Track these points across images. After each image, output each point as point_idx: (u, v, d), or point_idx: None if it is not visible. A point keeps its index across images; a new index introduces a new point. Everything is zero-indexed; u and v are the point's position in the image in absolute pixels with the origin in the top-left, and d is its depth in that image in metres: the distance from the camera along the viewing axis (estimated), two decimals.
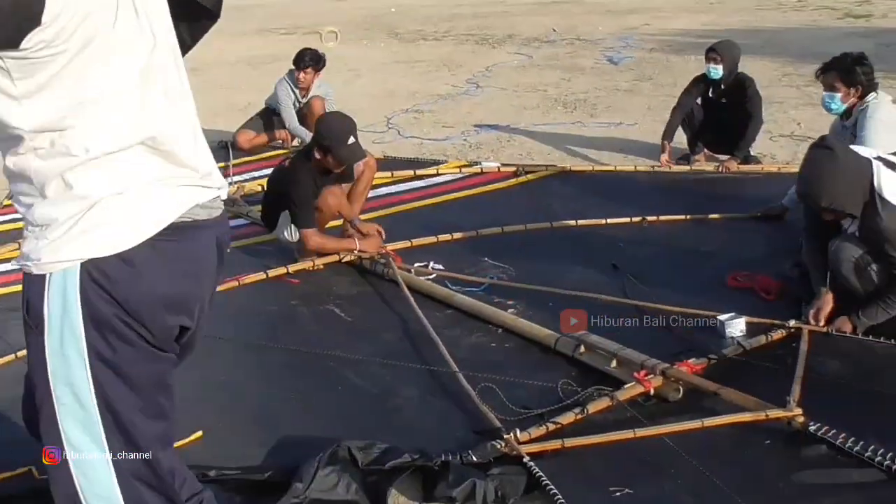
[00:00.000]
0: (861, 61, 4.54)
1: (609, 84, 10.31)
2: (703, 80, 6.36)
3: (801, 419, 2.84)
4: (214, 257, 1.80)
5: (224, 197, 1.84)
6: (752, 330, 3.59)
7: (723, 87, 6.23)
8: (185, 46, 1.87)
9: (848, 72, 4.52)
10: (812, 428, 2.80)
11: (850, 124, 4.54)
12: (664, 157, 6.25)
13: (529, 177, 6.10)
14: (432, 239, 4.89)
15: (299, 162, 4.57)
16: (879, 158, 3.51)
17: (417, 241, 4.85)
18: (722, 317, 3.61)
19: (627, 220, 5.06)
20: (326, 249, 4.52)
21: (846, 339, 3.47)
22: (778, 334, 3.53)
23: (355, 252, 4.53)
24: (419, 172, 6.31)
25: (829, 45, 12.93)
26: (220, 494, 2.60)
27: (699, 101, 6.42)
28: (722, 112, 6.30)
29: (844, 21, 15.66)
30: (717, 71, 6.16)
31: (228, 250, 1.84)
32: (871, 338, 3.45)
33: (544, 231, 5.02)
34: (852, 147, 3.65)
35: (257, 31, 19.92)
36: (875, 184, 3.36)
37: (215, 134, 7.98)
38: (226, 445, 2.93)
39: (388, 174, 6.25)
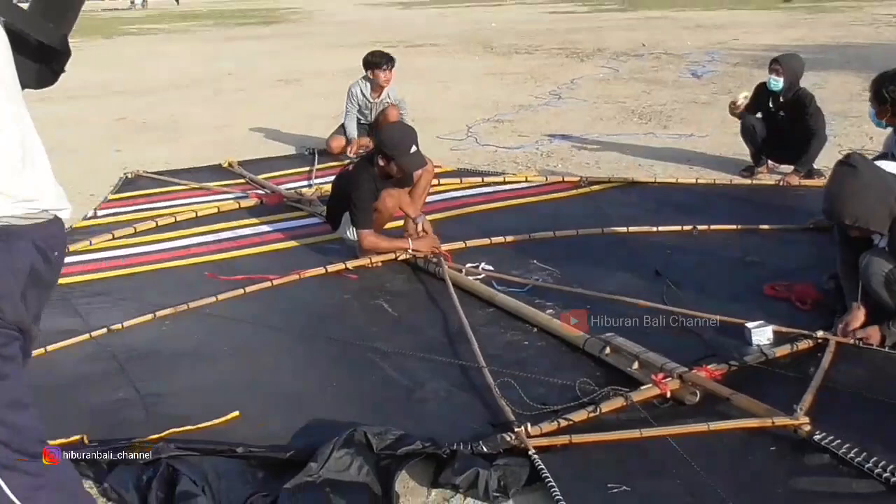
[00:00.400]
0: (888, 79, 4.40)
1: (688, 97, 10.14)
2: (763, 90, 6.19)
3: (808, 428, 2.78)
4: (29, 261, 1.79)
5: (64, 214, 1.90)
6: (779, 339, 3.50)
7: (782, 100, 6.06)
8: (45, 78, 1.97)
9: (876, 91, 4.48)
10: (817, 437, 2.73)
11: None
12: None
13: (593, 188, 6.05)
14: (486, 241, 4.93)
15: (362, 166, 4.68)
16: None
17: (472, 243, 4.90)
18: (750, 324, 3.53)
19: (679, 228, 5.00)
20: (380, 249, 4.61)
21: (872, 350, 3.35)
22: (804, 344, 3.43)
23: (409, 251, 4.60)
24: (486, 180, 6.35)
25: None
26: (245, 470, 2.74)
27: (760, 115, 6.27)
28: (783, 125, 6.13)
29: None
30: (778, 83, 6.01)
31: (56, 254, 1.86)
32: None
33: (595, 237, 5.00)
34: (883, 163, 3.52)
35: (359, 45, 20.24)
36: None
37: (310, 140, 8.27)
38: (257, 427, 3.03)
39: (458, 180, 6.33)
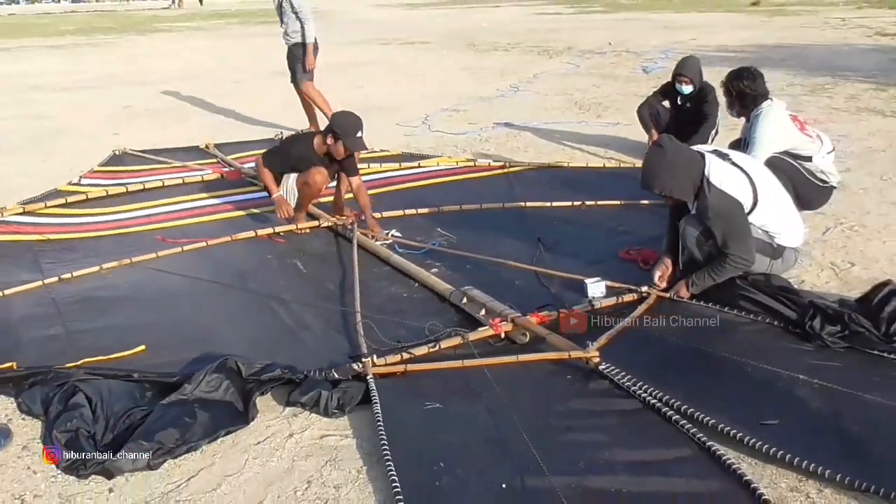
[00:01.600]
0: (740, 75, 4.61)
1: (630, 90, 10.30)
2: (672, 90, 6.43)
3: (596, 360, 3.06)
4: None
5: None
6: (612, 292, 3.76)
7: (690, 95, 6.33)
8: None
9: (724, 87, 4.75)
10: (602, 367, 3.01)
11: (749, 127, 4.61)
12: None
13: (511, 170, 6.30)
14: (400, 212, 5.20)
15: (307, 135, 4.99)
16: (715, 151, 3.64)
17: (388, 213, 5.18)
18: (588, 280, 3.80)
19: (570, 203, 5.23)
20: (261, 176, 5.03)
21: (682, 303, 3.61)
22: (628, 297, 3.71)
23: (272, 197, 4.96)
24: (421, 163, 6.60)
25: (843, 59, 12.56)
26: (136, 391, 3.03)
27: (667, 104, 6.52)
28: (686, 115, 6.37)
29: (872, 39, 14.98)
30: (689, 88, 6.28)
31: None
32: (701, 302, 3.59)
33: (496, 210, 5.26)
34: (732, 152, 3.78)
35: (358, 42, 20.42)
36: (706, 172, 3.49)
37: (286, 125, 8.50)
38: (160, 358, 3.31)
39: (397, 164, 6.59)
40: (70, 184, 6.09)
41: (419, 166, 6.55)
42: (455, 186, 5.99)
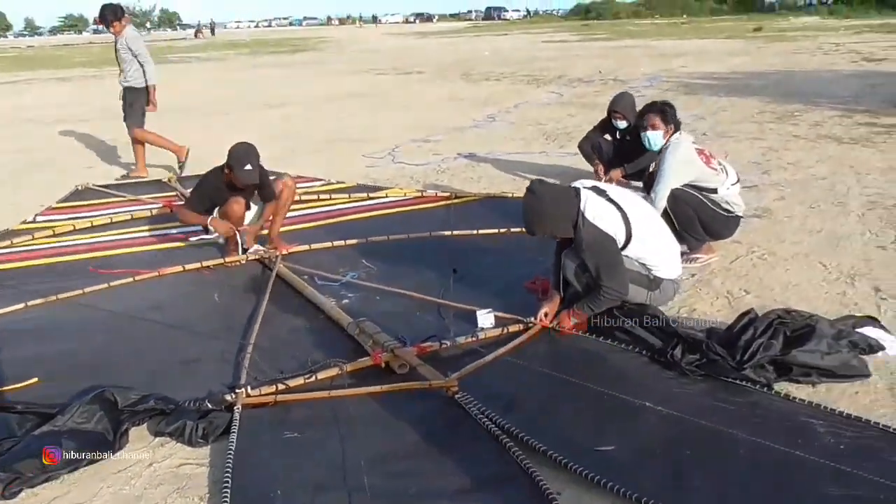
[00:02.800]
0: (670, 104, 4.76)
1: None
2: (610, 124, 6.60)
3: (454, 389, 3.19)
4: None
5: None
6: (501, 322, 3.90)
7: (628, 128, 6.49)
8: None
9: (664, 112, 4.76)
10: (458, 396, 3.14)
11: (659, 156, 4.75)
12: (601, 173, 6.50)
13: (455, 201, 6.46)
14: (328, 244, 5.38)
15: (217, 170, 5.13)
16: (593, 187, 3.77)
17: (316, 245, 5.37)
18: (479, 311, 3.94)
19: (495, 230, 5.39)
20: (188, 221, 5.21)
21: (564, 333, 3.75)
22: (515, 327, 3.83)
23: (208, 223, 5.12)
24: (371, 195, 6.79)
25: (822, 85, 12.69)
26: (22, 422, 3.17)
27: (608, 137, 6.68)
28: (627, 146, 6.52)
29: (858, 65, 15.06)
30: (624, 123, 6.47)
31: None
32: (580, 332, 3.72)
33: (422, 240, 5.42)
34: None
35: (359, 72, 20.79)
36: (581, 207, 3.63)
37: None
38: (52, 390, 3.43)
39: (346, 196, 6.79)
40: (24, 222, 6.31)
41: (368, 197, 6.74)
42: (397, 218, 6.15)
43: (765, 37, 25.95)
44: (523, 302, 4.21)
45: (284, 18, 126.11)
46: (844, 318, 3.62)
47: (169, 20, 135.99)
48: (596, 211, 3.63)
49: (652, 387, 3.23)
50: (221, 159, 8.39)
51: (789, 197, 6.19)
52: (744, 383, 3.18)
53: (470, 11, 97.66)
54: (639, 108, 6.59)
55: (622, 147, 6.62)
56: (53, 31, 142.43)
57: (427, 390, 3.25)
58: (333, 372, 3.46)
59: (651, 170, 4.94)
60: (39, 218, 6.50)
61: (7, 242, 5.71)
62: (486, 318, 3.91)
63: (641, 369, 3.40)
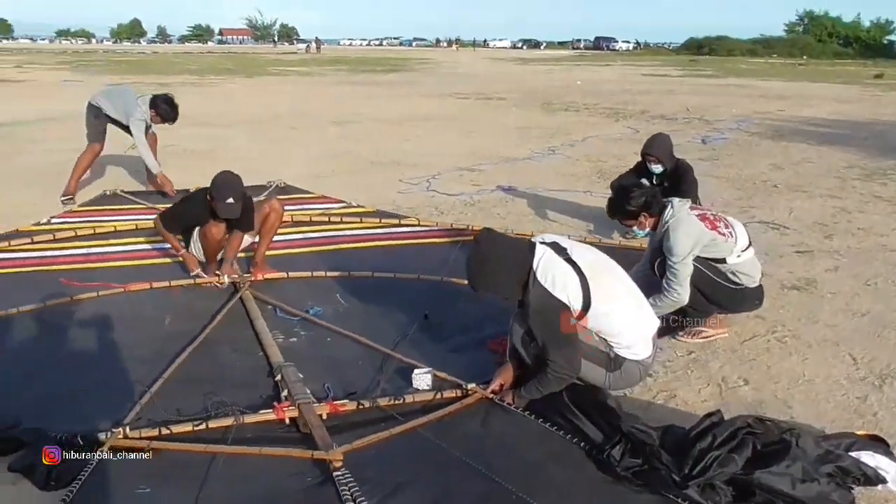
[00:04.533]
0: (626, 194, 4.17)
1: None
2: (645, 168, 6.06)
3: (338, 464, 2.76)
4: None
5: None
6: (438, 385, 3.46)
7: (665, 173, 5.97)
8: None
9: (625, 212, 4.19)
10: (337, 473, 2.71)
11: (659, 236, 4.16)
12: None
13: (468, 238, 6.01)
14: (307, 274, 5.05)
15: (203, 191, 4.88)
16: (553, 244, 3.28)
17: (294, 274, 5.06)
18: (416, 370, 3.51)
19: None
20: (163, 236, 4.98)
21: (499, 407, 3.26)
22: (450, 393, 3.38)
23: (180, 253, 4.95)
24: (384, 221, 6.46)
25: None
26: None
27: (644, 181, 6.12)
28: (664, 192, 5.93)
29: None
30: (659, 167, 5.96)
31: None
32: (522, 411, 3.22)
33: (410, 281, 5.01)
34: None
35: (445, 95, 20.64)
36: (534, 266, 3.15)
37: (289, 173, 8.53)
38: None
39: (358, 220, 6.47)
40: (35, 224, 6.25)
41: (379, 223, 6.40)
42: (396, 251, 5.78)
43: (886, 84, 24.36)
44: (486, 362, 3.75)
45: (396, 38, 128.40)
46: (841, 435, 2.95)
47: (287, 34, 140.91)
48: (549, 272, 3.14)
49: (575, 493, 2.70)
50: (269, 174, 8.35)
51: (843, 268, 5.46)
52: (681, 501, 2.61)
53: (579, 40, 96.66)
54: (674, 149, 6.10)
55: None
56: (182, 39, 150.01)
57: (308, 461, 2.83)
58: (228, 422, 3.10)
59: (651, 255, 4.31)
60: (55, 220, 6.44)
61: (5, 243, 5.62)
62: (421, 379, 3.47)
63: (572, 467, 2.88)
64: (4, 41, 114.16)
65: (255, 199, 5.20)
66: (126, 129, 7.33)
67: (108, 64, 38.55)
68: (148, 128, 7.38)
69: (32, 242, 5.71)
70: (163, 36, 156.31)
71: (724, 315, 4.29)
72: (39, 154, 9.85)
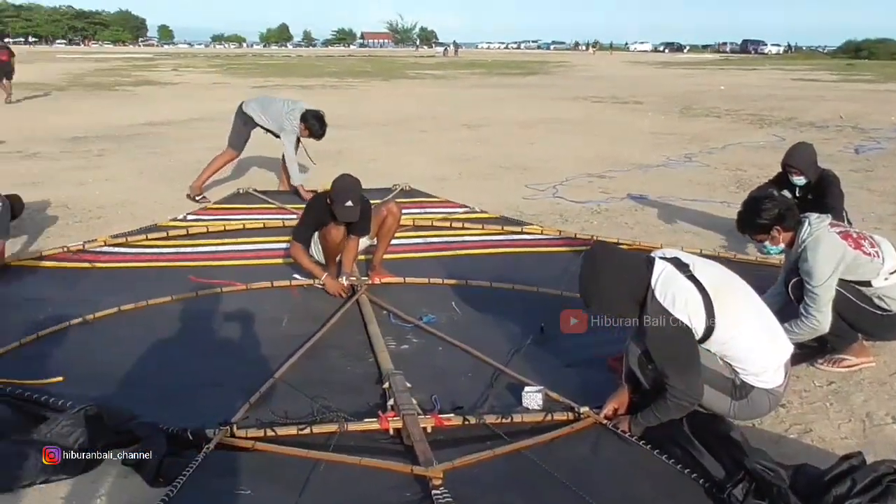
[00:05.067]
0: (757, 206, 3.83)
1: None
2: (786, 179, 5.65)
3: (437, 481, 2.66)
4: None
5: None
6: (550, 405, 3.30)
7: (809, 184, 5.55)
8: None
9: (756, 226, 3.89)
10: (436, 492, 2.61)
11: (795, 256, 3.82)
12: None
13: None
14: (424, 280, 5.00)
15: (322, 195, 4.93)
16: (674, 259, 3.04)
17: (410, 280, 5.03)
18: (527, 388, 3.37)
19: None
20: (300, 263, 4.91)
21: (613, 434, 3.08)
22: (561, 415, 3.21)
23: (316, 282, 4.88)
24: (507, 228, 6.34)
25: None
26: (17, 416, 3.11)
27: (786, 193, 5.70)
28: (807, 205, 5.51)
29: None
30: (801, 179, 5.57)
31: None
32: (636, 440, 3.02)
33: (529, 293, 4.85)
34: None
35: (575, 98, 20.34)
36: (652, 283, 2.94)
37: (413, 177, 8.56)
38: (70, 390, 3.36)
39: (480, 226, 6.39)
40: (171, 219, 6.55)
41: (501, 231, 6.29)
42: (517, 259, 5.65)
43: None
44: (602, 382, 3.55)
45: (534, 42, 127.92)
46: None
47: (426, 38, 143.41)
48: (669, 290, 2.91)
49: None
50: (395, 177, 8.41)
51: None
52: None
53: (725, 43, 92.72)
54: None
55: (800, 207, 5.60)
56: (326, 42, 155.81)
57: (408, 475, 2.75)
58: (332, 428, 3.07)
59: (787, 275, 3.96)
60: (190, 217, 6.72)
61: (143, 237, 5.90)
62: (532, 398, 3.32)
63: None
64: (166, 46, 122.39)
65: (376, 202, 5.19)
66: (277, 136, 7.54)
67: (255, 67, 40.44)
68: (298, 141, 7.53)
69: (168, 237, 5.97)
70: (308, 40, 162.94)
71: (870, 342, 3.91)
72: (185, 152, 10.35)
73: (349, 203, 4.64)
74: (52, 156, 10.11)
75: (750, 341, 2.99)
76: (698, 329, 2.90)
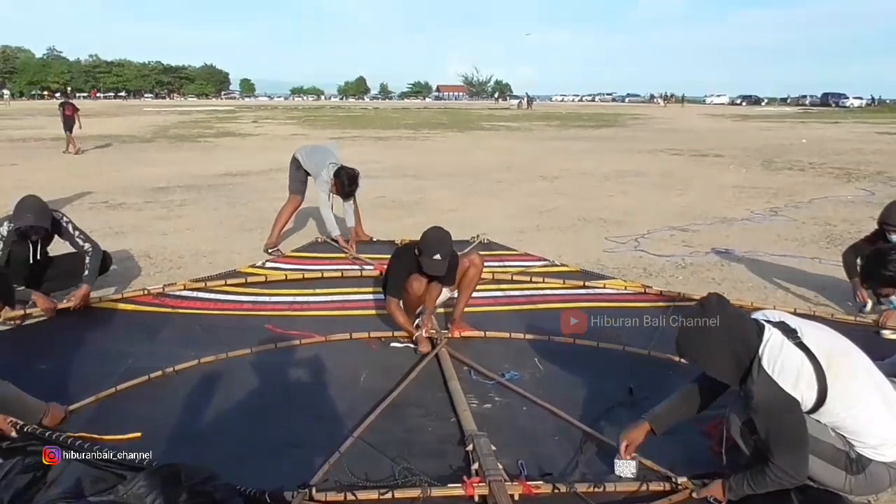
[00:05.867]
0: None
1: None
2: (883, 237, 5.36)
3: None
4: None
5: None
6: (645, 475, 3.09)
7: None
8: None
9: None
10: None
11: None
12: (861, 295, 5.30)
13: (678, 304, 5.58)
14: (505, 334, 4.86)
15: (410, 247, 4.87)
16: (781, 324, 2.82)
17: (491, 334, 4.88)
18: (620, 455, 3.16)
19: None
20: (394, 319, 4.78)
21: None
22: (657, 486, 2.99)
23: (410, 340, 4.77)
24: (588, 283, 6.15)
25: None
26: (93, 476, 3.06)
27: None
28: None
29: None
30: None
31: None
32: None
33: (613, 351, 4.63)
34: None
35: (647, 151, 20.10)
36: (760, 351, 2.73)
37: (493, 230, 8.46)
38: (147, 447, 3.27)
39: (560, 280, 6.22)
40: (251, 266, 6.60)
41: (583, 286, 6.11)
42: (602, 314, 5.41)
43: None
44: (699, 448, 3.33)
45: (608, 94, 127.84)
46: None
47: (501, 90, 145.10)
48: (777, 360, 2.69)
49: None
50: (472, 227, 8.33)
51: None
52: None
53: (804, 96, 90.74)
54: None
55: None
56: (402, 95, 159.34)
57: None
58: (414, 493, 2.93)
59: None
60: (269, 264, 6.75)
61: (222, 282, 5.95)
62: (625, 466, 3.12)
63: None
64: (247, 99, 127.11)
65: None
66: None
67: (332, 119, 41.49)
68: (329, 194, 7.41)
69: (246, 283, 5.99)
70: (384, 92, 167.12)
71: None
72: (263, 202, 10.53)
73: (437, 256, 4.56)
74: (136, 206, 10.41)
75: (866, 413, 2.73)
76: (808, 401, 2.67)
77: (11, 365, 4.26)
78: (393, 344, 4.79)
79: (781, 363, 2.66)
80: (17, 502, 2.88)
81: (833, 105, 77.53)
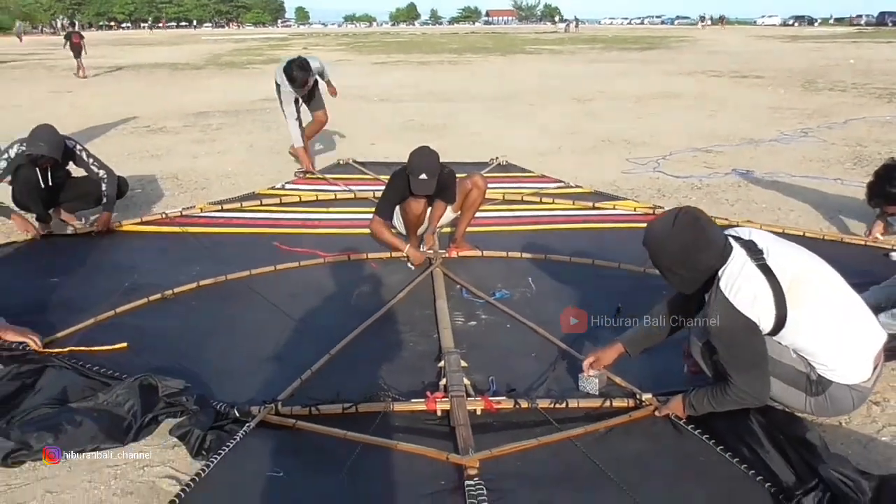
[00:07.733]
0: (891, 174, 3.32)
1: None
2: None
3: (472, 471, 2.42)
4: None
5: None
6: (610, 391, 3.00)
7: None
8: None
9: (889, 196, 3.60)
10: (470, 482, 2.37)
11: None
12: (877, 229, 4.82)
13: None
14: (502, 253, 4.74)
15: (403, 170, 4.73)
16: (748, 244, 2.61)
17: (489, 253, 4.77)
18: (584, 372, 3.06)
19: None
20: (382, 238, 4.69)
21: (671, 424, 2.73)
22: (620, 402, 2.89)
23: (403, 253, 4.67)
24: (598, 204, 5.96)
25: None
26: (81, 384, 3.10)
27: None
28: None
29: None
30: None
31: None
32: (697, 430, 2.67)
33: (609, 269, 4.51)
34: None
35: (690, 73, 19.33)
36: (720, 271, 2.54)
37: (513, 151, 8.26)
38: (132, 358, 3.35)
39: (570, 201, 6.03)
40: (271, 188, 6.56)
41: (593, 207, 5.91)
42: (604, 234, 5.27)
43: None
44: (677, 367, 3.19)
45: (657, 17, 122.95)
46: None
47: (550, 14, 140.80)
48: (736, 282, 2.49)
49: None
50: (496, 150, 8.14)
51: None
52: None
53: (860, 16, 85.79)
54: None
55: None
56: (452, 20, 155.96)
57: (442, 461, 2.52)
58: (378, 408, 2.88)
59: None
60: (288, 186, 6.70)
61: (237, 205, 5.93)
62: (589, 382, 3.02)
63: None
64: (301, 27, 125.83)
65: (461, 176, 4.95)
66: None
67: (380, 45, 40.80)
68: (297, 101, 7.16)
69: (261, 205, 5.96)
70: (434, 18, 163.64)
71: None
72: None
73: (423, 176, 4.42)
74: (174, 130, 10.42)
75: (830, 337, 2.56)
76: (766, 324, 2.50)
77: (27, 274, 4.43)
78: (402, 256, 4.71)
79: (739, 285, 2.48)
80: (6, 406, 2.93)
81: (890, 24, 73.10)
